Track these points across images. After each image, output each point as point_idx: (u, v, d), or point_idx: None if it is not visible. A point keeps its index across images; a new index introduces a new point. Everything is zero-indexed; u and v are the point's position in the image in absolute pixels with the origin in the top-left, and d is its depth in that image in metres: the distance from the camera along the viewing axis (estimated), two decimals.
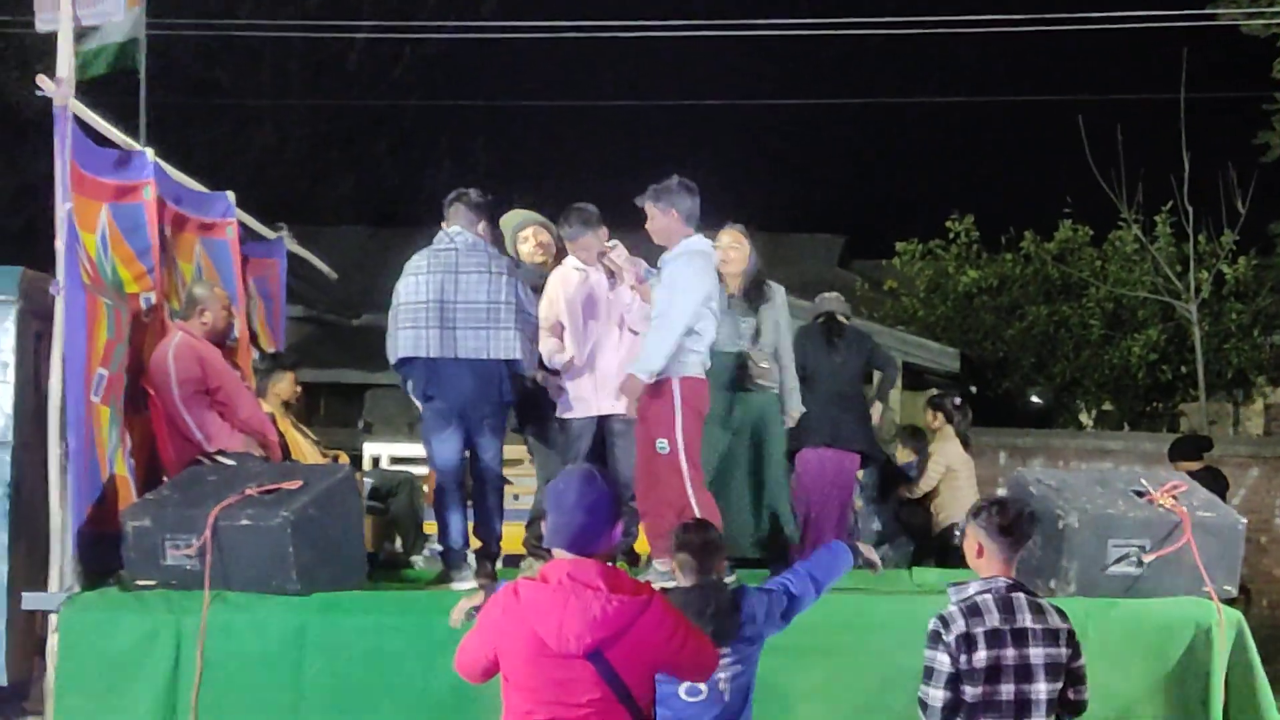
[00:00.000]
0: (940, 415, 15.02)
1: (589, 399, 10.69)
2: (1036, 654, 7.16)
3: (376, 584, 10.08)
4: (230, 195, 12.64)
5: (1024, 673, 7.15)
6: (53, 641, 9.13)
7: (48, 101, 9.58)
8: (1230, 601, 9.10)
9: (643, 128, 45.55)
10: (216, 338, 10.74)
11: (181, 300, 11.03)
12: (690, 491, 9.72)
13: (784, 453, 11.11)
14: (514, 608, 6.11)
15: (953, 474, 14.60)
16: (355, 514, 9.91)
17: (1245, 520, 9.47)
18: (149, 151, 10.86)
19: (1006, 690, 7.16)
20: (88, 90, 10.06)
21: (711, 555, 7.70)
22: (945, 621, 7.24)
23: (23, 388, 9.89)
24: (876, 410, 12.95)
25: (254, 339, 12.90)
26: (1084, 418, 28.35)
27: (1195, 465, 14.72)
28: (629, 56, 46.22)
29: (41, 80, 9.50)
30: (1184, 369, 26.53)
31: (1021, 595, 7.29)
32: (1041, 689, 7.17)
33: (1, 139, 29.43)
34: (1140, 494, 9.31)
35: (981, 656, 7.14)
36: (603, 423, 10.75)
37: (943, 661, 7.21)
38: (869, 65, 48.82)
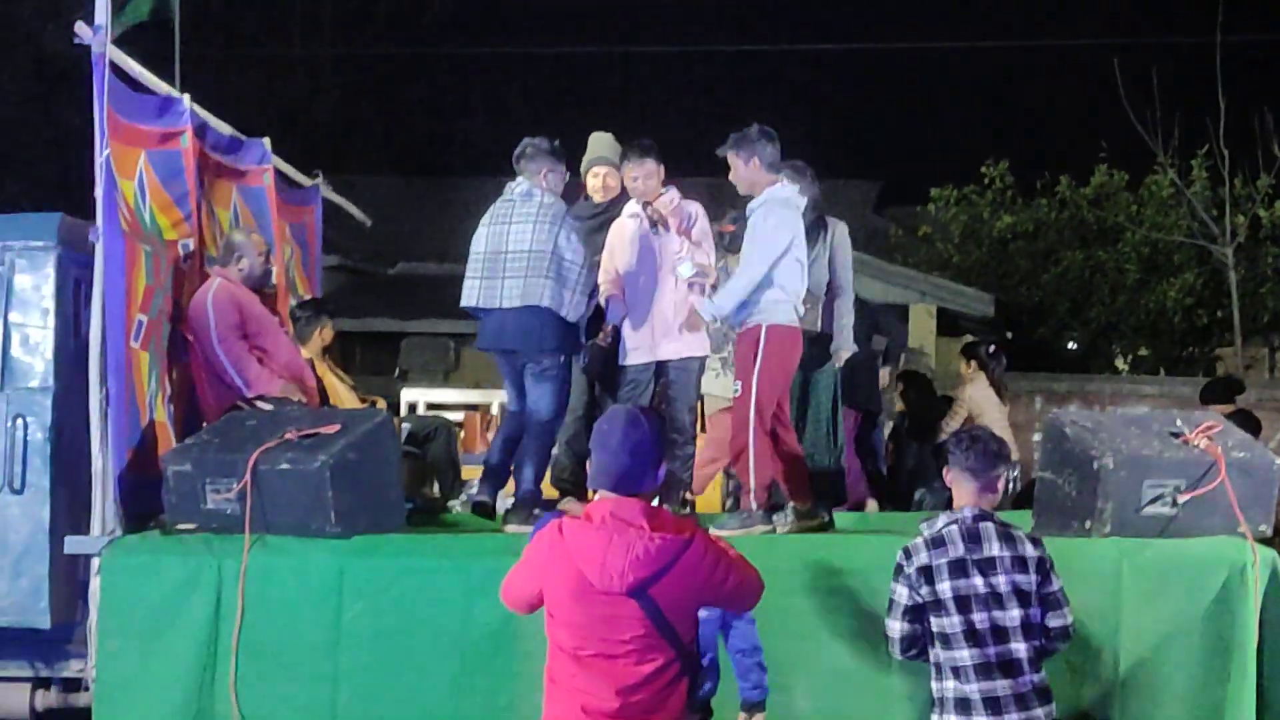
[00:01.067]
0: (974, 362, 15.04)
1: (645, 345, 10.74)
2: (1004, 581, 7.37)
3: (415, 528, 10.11)
4: (266, 142, 12.65)
5: (995, 600, 7.36)
6: (95, 585, 9.21)
7: (84, 53, 9.65)
8: (1266, 541, 9.08)
9: (679, 73, 45.37)
10: (254, 284, 10.76)
11: (219, 247, 11.07)
12: (750, 435, 9.87)
13: (831, 397, 11.13)
14: (559, 545, 6.23)
15: (980, 418, 14.61)
16: (393, 458, 9.94)
17: None
18: (186, 98, 10.89)
19: (980, 619, 7.37)
20: (122, 40, 10.09)
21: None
22: (908, 554, 7.51)
23: (62, 333, 9.94)
24: (885, 374, 13.12)
25: (291, 286, 12.94)
26: (1119, 363, 28.34)
27: (1227, 408, 14.65)
28: (659, 3, 46.01)
29: (79, 28, 9.54)
30: (1220, 313, 26.52)
31: (990, 524, 7.52)
32: (1015, 615, 7.37)
33: (38, 90, 29.54)
34: (1175, 435, 9.28)
35: (946, 588, 7.39)
36: (660, 367, 10.80)
37: (901, 593, 7.50)
38: (905, 10, 48.61)
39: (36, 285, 9.95)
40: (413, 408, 14.73)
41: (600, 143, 11.53)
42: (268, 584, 9.04)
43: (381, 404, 12.12)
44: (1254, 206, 25.64)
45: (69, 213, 10.31)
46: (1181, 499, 8.95)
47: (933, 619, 7.47)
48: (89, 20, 9.57)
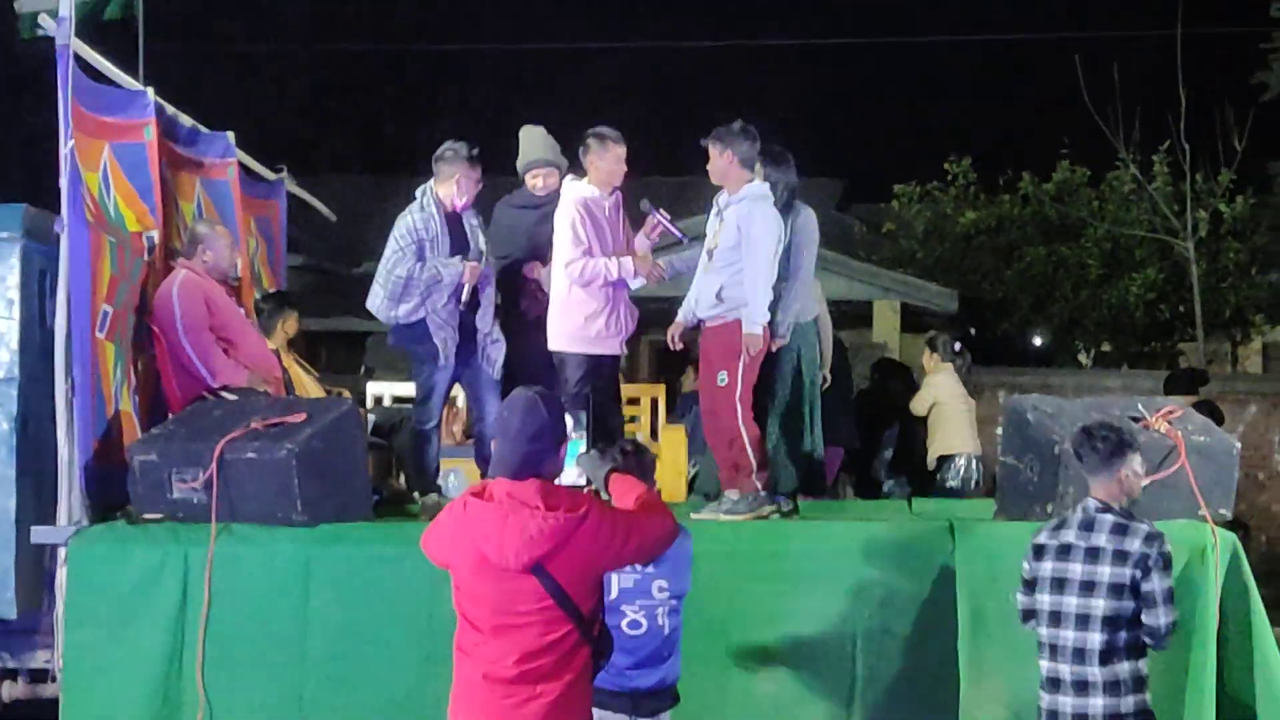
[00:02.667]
0: (936, 356, 15.10)
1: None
2: (1102, 571, 7.54)
3: (381, 518, 10.13)
4: (230, 136, 12.66)
5: (1086, 588, 7.57)
6: (61, 575, 9.23)
7: (50, 52, 9.68)
8: (1226, 525, 9.17)
9: (645, 71, 45.34)
10: (219, 275, 10.77)
11: (183, 239, 11.08)
12: (741, 424, 9.99)
13: (816, 381, 11.15)
14: (462, 522, 6.46)
15: (942, 407, 14.70)
16: (359, 447, 9.98)
17: (1239, 446, 9.53)
18: (150, 91, 10.92)
19: (1069, 602, 7.62)
20: (87, 35, 10.12)
21: (645, 472, 7.91)
22: (1036, 532, 7.87)
23: (28, 324, 9.88)
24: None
25: (255, 279, 12.96)
26: (1082, 358, 28.48)
27: (1191, 399, 14.75)
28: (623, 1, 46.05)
29: (43, 19, 9.56)
30: (1182, 308, 26.63)
31: (1109, 517, 7.68)
32: (1100, 604, 7.54)
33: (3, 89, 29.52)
34: (1136, 419, 9.36)
35: (1047, 567, 7.70)
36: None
37: (1023, 568, 7.85)
38: (866, 6, 48.66)
39: (1, 276, 9.91)
40: (378, 400, 14.76)
41: (537, 142, 11.57)
42: (234, 573, 9.07)
43: (347, 395, 12.14)
44: (1215, 201, 25.78)
45: (33, 204, 10.31)
46: (1142, 483, 9.02)
47: (1035, 595, 7.77)
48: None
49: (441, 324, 10.78)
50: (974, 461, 14.70)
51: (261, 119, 34.53)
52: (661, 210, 10.97)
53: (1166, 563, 7.58)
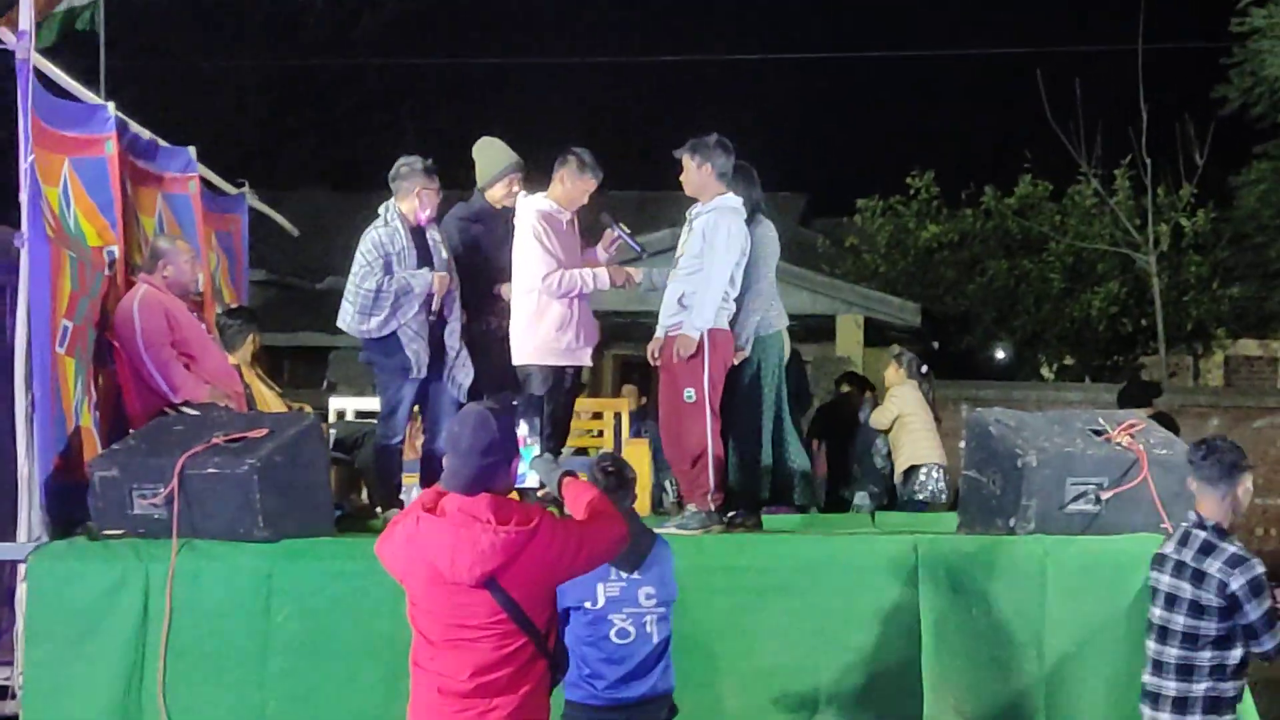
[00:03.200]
0: (901, 371, 15.14)
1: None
2: (1184, 588, 7.69)
3: (343, 533, 10.10)
4: (191, 150, 12.65)
5: (1170, 601, 7.77)
6: (21, 591, 9.16)
7: (9, 66, 9.65)
8: None
9: (606, 86, 45.38)
10: (180, 290, 10.73)
11: (144, 254, 11.04)
12: (710, 439, 10.05)
13: (782, 393, 11.15)
14: (413, 537, 6.47)
15: (907, 419, 14.74)
16: (321, 462, 9.96)
17: None
18: (110, 105, 10.89)
19: (1156, 613, 7.91)
20: (48, 51, 10.09)
21: (627, 489, 8.01)
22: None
23: None
24: None
25: (217, 294, 12.93)
26: (1045, 371, 28.56)
27: (1145, 411, 14.78)
28: (588, 14, 46.05)
29: (2, 33, 9.53)
30: (1144, 322, 26.76)
31: (1201, 534, 7.80)
32: (1179, 620, 7.70)
33: None
34: (1098, 433, 9.39)
35: (1156, 578, 7.95)
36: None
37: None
38: (829, 20, 48.80)
39: None
40: (341, 415, 14.70)
41: (501, 150, 11.56)
42: (196, 588, 9.01)
43: (309, 410, 12.11)
44: (1176, 215, 25.89)
45: None
46: (1104, 496, 9.06)
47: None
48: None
49: (414, 335, 10.81)
50: (940, 472, 14.74)
51: (223, 134, 34.48)
52: (621, 223, 11.00)
53: (1255, 589, 7.60)
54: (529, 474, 7.74)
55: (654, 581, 7.79)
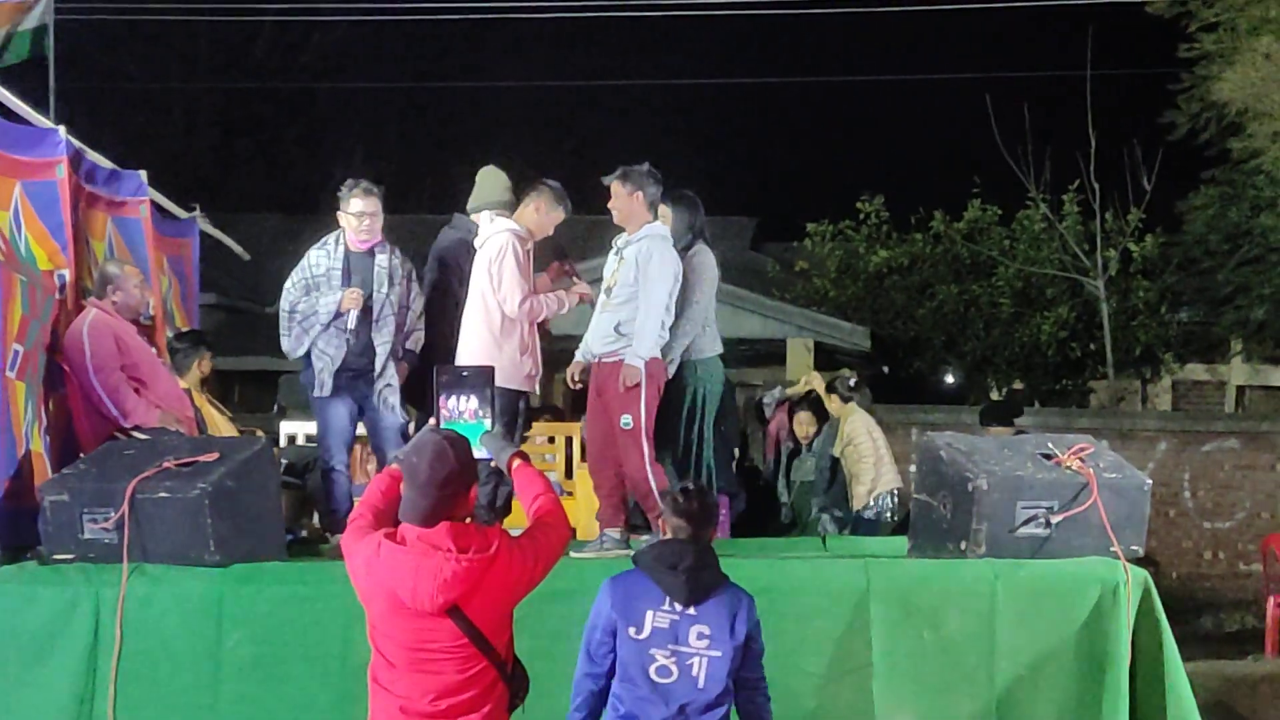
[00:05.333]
0: (836, 398, 15.14)
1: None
2: None
3: (294, 557, 10.08)
4: (142, 174, 12.64)
5: None
6: None
7: None
8: (1138, 561, 9.23)
9: (554, 110, 45.46)
10: (130, 315, 10.72)
11: (95, 278, 11.02)
12: (648, 466, 10.12)
13: (709, 418, 11.19)
14: (375, 564, 6.48)
15: (858, 447, 14.74)
16: (272, 486, 9.94)
17: (1150, 483, 9.58)
18: (61, 129, 10.87)
19: None
20: None
21: (711, 519, 7.60)
22: None
23: None
24: None
25: (169, 318, 12.90)
26: (994, 395, 28.57)
27: (1007, 430, 14.76)
28: (539, 39, 46.09)
29: None
30: (1093, 346, 26.84)
31: None
32: None
33: None
34: (1047, 457, 9.44)
35: None
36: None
37: None
38: (779, 45, 48.94)
39: None
40: (292, 439, 14.67)
41: (500, 184, 11.53)
42: (146, 613, 8.95)
43: (260, 434, 12.08)
44: (1125, 240, 25.98)
45: None
46: (1055, 520, 9.09)
47: None
48: None
49: (320, 354, 10.97)
50: (894, 496, 14.77)
51: (175, 158, 34.46)
52: (569, 260, 11.06)
53: None
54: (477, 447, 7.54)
55: (711, 621, 7.28)
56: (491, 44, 47.19)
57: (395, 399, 11.05)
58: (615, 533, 10.20)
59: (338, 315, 10.89)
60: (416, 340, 11.33)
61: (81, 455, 10.03)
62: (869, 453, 14.69)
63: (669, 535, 7.53)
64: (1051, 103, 26.15)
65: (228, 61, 43.07)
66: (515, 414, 10.82)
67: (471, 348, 10.63)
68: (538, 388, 11.07)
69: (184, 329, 13.12)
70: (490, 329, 10.64)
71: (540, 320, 10.76)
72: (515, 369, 10.64)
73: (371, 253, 10.97)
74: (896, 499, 14.70)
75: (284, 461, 12.17)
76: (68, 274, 10.75)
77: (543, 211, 10.80)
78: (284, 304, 10.98)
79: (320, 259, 11.00)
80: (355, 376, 10.97)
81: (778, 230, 34.39)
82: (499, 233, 10.64)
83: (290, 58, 43.60)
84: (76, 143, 11.24)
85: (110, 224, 12.05)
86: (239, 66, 42.92)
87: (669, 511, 7.56)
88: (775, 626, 8.94)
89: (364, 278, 10.93)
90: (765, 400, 16.46)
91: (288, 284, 11.01)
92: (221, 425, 11.95)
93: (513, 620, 6.74)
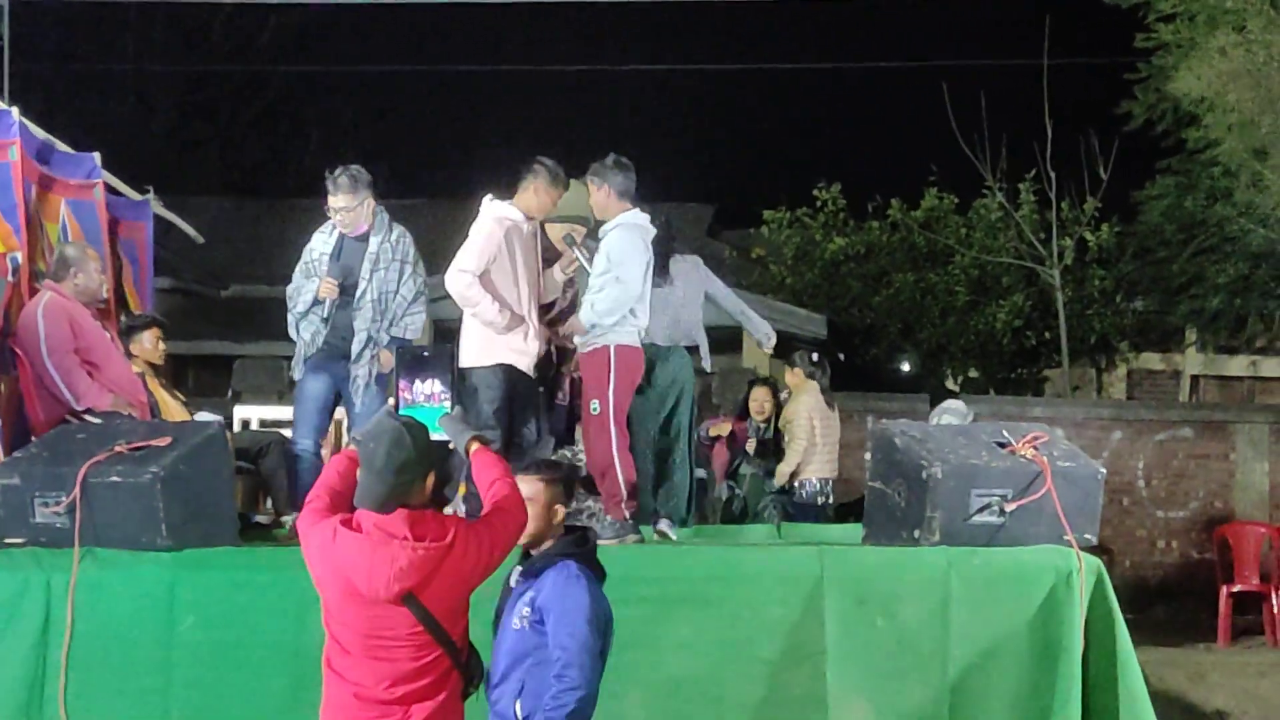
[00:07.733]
0: (799, 371, 15.19)
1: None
2: None
3: (247, 542, 10.03)
4: (96, 157, 12.56)
5: None
6: None
7: None
8: (1092, 550, 9.25)
9: (507, 95, 45.45)
10: (89, 298, 10.66)
11: (48, 261, 10.95)
12: (615, 453, 10.20)
13: (693, 416, 11.29)
14: (330, 550, 6.47)
15: (800, 425, 14.79)
16: (225, 471, 9.88)
17: (1104, 471, 9.60)
18: (14, 110, 10.80)
19: None
20: None
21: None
22: None
23: None
24: None
25: (122, 301, 12.83)
26: (950, 383, 28.66)
27: None
28: (496, 24, 46.02)
29: None
30: (1048, 335, 26.94)
31: None
32: None
33: None
34: (1002, 445, 9.45)
35: None
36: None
37: None
38: (736, 32, 48.94)
39: None
40: (246, 424, 14.63)
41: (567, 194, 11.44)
42: (98, 598, 8.91)
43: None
44: (1080, 229, 26.07)
45: None
46: (1009, 508, 9.09)
47: None
48: None
49: (299, 337, 11.27)
50: (825, 484, 14.84)
51: (128, 140, 34.27)
52: (581, 247, 10.94)
53: None
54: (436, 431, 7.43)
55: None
56: (446, 28, 47.18)
57: (370, 383, 11.02)
58: (611, 517, 10.23)
59: (316, 302, 11.02)
60: (408, 327, 11.25)
61: (33, 439, 9.99)
62: (803, 435, 14.77)
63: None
64: (1008, 92, 26.14)
65: (183, 44, 42.90)
66: (523, 390, 10.78)
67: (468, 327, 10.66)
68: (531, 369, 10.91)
69: (137, 313, 13.03)
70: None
71: (468, 308, 10.60)
72: (512, 346, 10.61)
73: (365, 237, 10.98)
74: (830, 486, 14.76)
75: (238, 446, 12.09)
76: (20, 256, 10.69)
77: (541, 193, 10.76)
78: (290, 288, 11.19)
79: (318, 243, 11.17)
80: (333, 359, 11.00)
81: (735, 217, 34.40)
82: (487, 213, 10.61)
83: (246, 40, 43.45)
84: (30, 125, 11.15)
85: (65, 206, 11.98)
86: (194, 49, 42.76)
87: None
88: (730, 613, 8.99)
89: (351, 262, 11.01)
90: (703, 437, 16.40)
91: (296, 268, 11.20)
92: (175, 410, 11.87)
93: (468, 607, 6.72)
